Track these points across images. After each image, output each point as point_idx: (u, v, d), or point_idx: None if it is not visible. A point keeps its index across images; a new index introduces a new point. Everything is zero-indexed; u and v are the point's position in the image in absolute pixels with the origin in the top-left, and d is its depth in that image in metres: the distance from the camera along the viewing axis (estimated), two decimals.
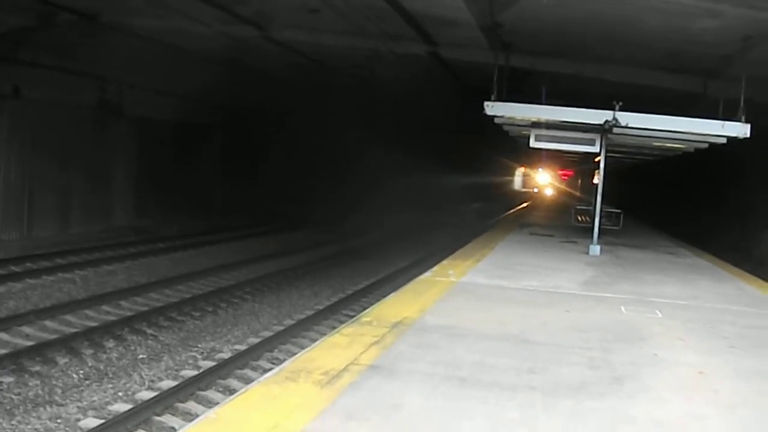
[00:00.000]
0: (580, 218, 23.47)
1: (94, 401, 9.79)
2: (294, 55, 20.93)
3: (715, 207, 23.67)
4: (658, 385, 6.70)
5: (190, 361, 11.91)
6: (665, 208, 30.55)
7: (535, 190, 58.85)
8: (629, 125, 14.80)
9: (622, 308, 10.41)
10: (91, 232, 22.54)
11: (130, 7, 16.80)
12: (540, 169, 50.18)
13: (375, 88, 26.58)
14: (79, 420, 9.03)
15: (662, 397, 6.37)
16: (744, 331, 9.35)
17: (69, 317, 13.72)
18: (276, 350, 12.65)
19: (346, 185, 37.15)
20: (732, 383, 6.97)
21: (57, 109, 20.74)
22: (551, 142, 16.72)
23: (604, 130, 15.43)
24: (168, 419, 9.10)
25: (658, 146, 18.59)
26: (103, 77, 22.14)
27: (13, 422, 8.85)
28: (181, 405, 9.61)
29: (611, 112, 14.70)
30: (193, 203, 27.89)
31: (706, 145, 16.63)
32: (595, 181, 18.07)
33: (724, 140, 15.28)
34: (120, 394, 10.16)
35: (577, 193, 40.33)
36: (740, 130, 14.37)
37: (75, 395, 9.96)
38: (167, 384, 10.49)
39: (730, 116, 14.62)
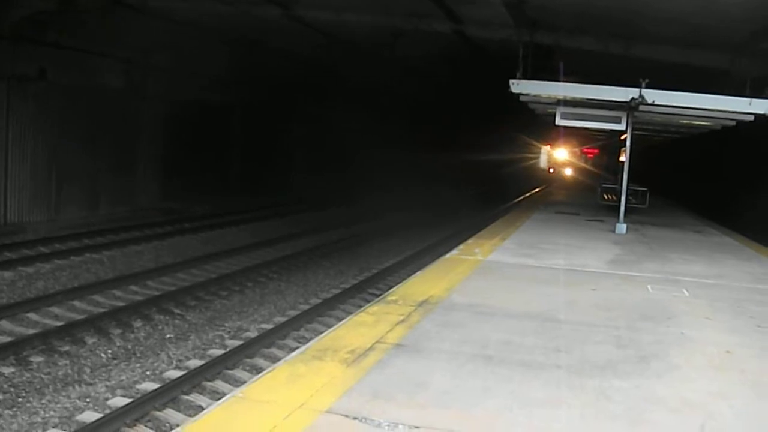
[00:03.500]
0: (606, 196, 23.35)
1: (123, 380, 9.88)
2: (316, 34, 20.92)
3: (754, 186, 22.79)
4: (685, 364, 6.68)
5: (217, 341, 11.98)
6: (694, 187, 30.21)
7: (551, 170, 56.71)
8: (655, 102, 14.70)
9: (649, 287, 10.38)
10: (119, 213, 22.65)
11: None
12: (559, 147, 48.26)
13: (396, 67, 26.57)
14: (107, 399, 9.12)
15: (689, 376, 6.36)
16: None
17: (97, 297, 13.81)
18: (302, 329, 12.68)
19: (367, 164, 37.09)
20: (759, 362, 6.94)
21: (83, 91, 20.81)
22: (577, 120, 16.66)
23: (630, 107, 15.35)
24: (195, 398, 9.18)
25: (685, 124, 18.45)
26: (128, 59, 22.17)
27: (43, 401, 8.96)
28: (208, 384, 9.68)
29: (637, 90, 14.63)
30: (217, 183, 27.99)
31: (733, 123, 16.47)
32: (622, 159, 17.96)
33: (751, 117, 15.13)
34: (148, 373, 10.25)
35: (597, 171, 39.87)
36: None
37: (103, 374, 10.06)
38: (194, 363, 10.56)
39: (757, 93, 14.46)
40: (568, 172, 51.82)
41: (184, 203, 25.47)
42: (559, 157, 50.26)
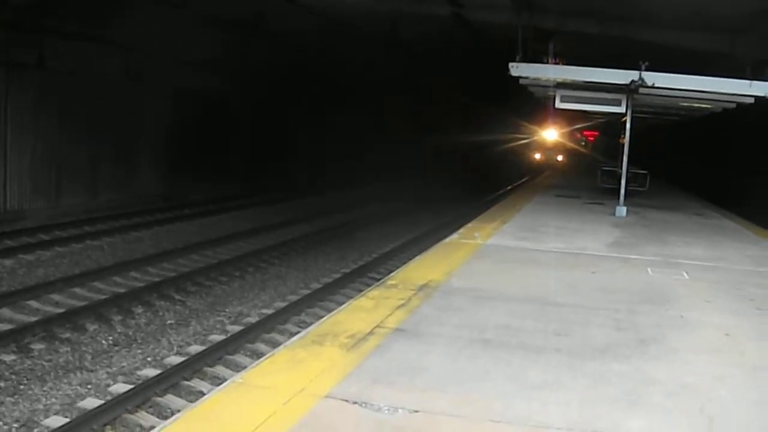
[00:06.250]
0: (606, 180, 23.31)
1: (124, 367, 9.90)
2: (316, 18, 20.82)
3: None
4: (684, 347, 6.68)
5: (218, 326, 12.00)
6: (695, 170, 30.11)
7: (539, 156, 50.26)
8: (655, 85, 14.67)
9: (649, 270, 10.37)
10: (119, 200, 22.62)
11: None
12: (550, 129, 40.76)
13: (395, 51, 26.53)
14: (109, 385, 9.13)
15: (688, 359, 6.36)
16: None
17: (97, 284, 13.81)
18: (303, 314, 12.70)
19: (365, 150, 37.10)
20: (758, 345, 6.94)
21: (82, 77, 20.70)
22: (577, 103, 16.62)
23: (630, 90, 15.31)
24: (196, 383, 9.20)
25: (685, 106, 18.41)
26: (128, 46, 22.02)
27: (44, 388, 8.96)
28: (209, 369, 9.71)
29: (637, 72, 14.59)
30: (218, 169, 27.92)
31: (734, 105, 16.44)
32: (622, 141, 17.93)
33: (751, 100, 15.09)
34: (149, 359, 10.26)
35: (598, 156, 39.07)
36: None
37: (105, 361, 10.07)
38: (195, 349, 10.58)
39: (758, 76, 14.42)
40: (560, 158, 47.65)
41: (185, 189, 25.43)
42: (550, 139, 44.42)
